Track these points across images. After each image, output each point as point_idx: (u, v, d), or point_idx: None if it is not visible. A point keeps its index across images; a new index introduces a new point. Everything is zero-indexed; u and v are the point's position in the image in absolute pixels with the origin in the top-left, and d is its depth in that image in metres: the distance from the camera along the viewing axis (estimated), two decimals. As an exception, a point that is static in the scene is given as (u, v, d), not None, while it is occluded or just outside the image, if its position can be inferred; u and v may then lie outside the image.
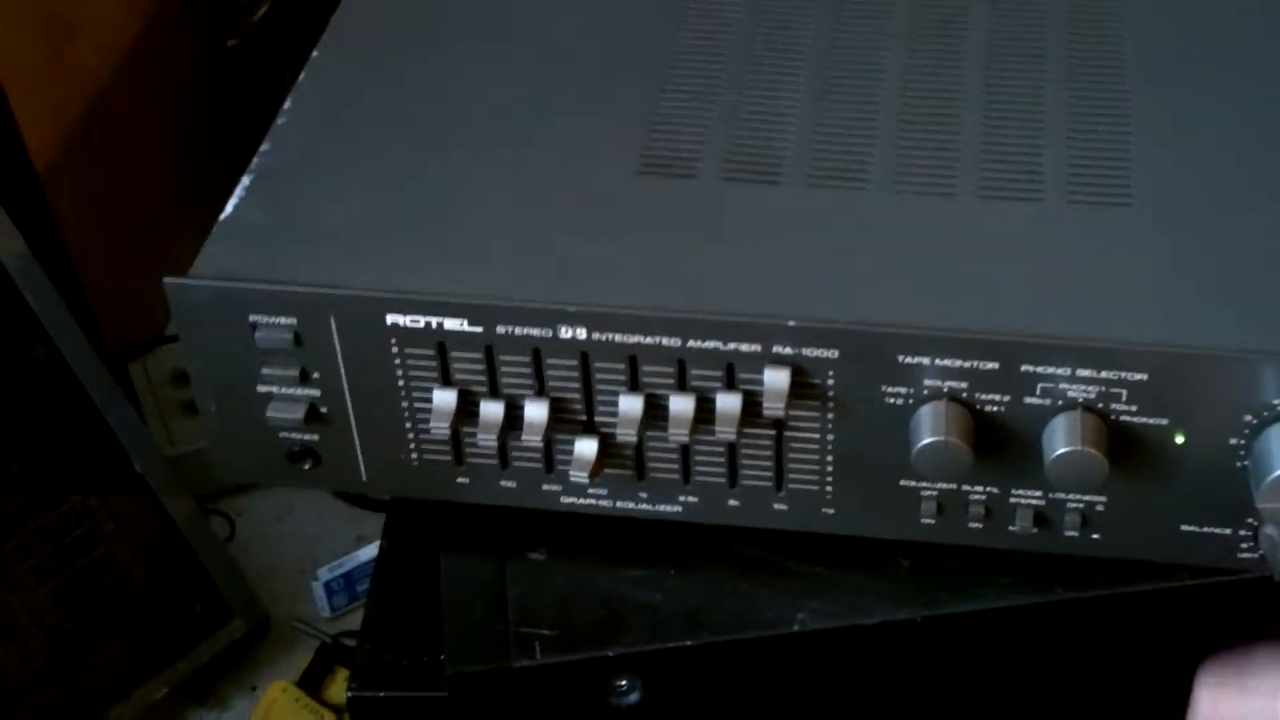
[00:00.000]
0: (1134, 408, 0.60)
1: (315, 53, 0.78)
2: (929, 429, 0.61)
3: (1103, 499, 0.64)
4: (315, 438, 0.68)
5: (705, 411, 0.64)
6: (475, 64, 0.76)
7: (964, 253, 0.65)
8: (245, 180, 0.70)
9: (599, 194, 0.69)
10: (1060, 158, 0.69)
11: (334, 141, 0.72)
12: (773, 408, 0.62)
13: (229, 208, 0.69)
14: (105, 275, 1.25)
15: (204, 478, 1.20)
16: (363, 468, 0.69)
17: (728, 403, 0.63)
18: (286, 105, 0.74)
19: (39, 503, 0.99)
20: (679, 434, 0.64)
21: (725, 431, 0.63)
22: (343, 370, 0.66)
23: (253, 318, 0.65)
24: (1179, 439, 0.61)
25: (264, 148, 0.72)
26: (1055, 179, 0.68)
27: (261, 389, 0.67)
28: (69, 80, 1.23)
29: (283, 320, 0.65)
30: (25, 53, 1.14)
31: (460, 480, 0.69)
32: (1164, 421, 0.60)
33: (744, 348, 0.62)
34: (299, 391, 0.67)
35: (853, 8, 0.79)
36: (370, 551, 1.18)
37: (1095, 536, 0.65)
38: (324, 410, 0.67)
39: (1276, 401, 0.59)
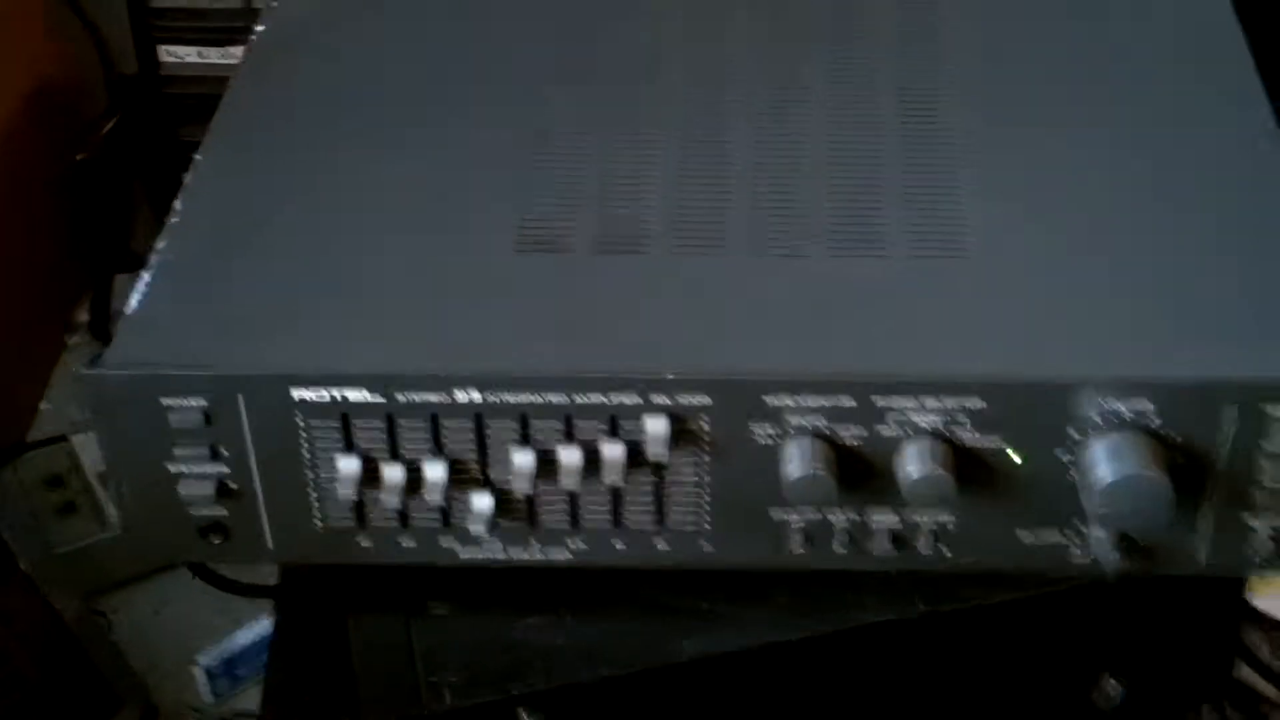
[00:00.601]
0: (974, 432, 0.68)
1: (198, 155, 0.83)
2: (797, 464, 0.68)
3: (952, 518, 0.71)
4: (224, 512, 0.73)
5: (592, 461, 0.70)
6: (355, 156, 0.81)
7: (819, 305, 0.71)
8: (145, 276, 0.75)
9: (483, 270, 0.74)
10: (900, 218, 0.76)
11: (228, 234, 0.77)
12: (655, 454, 0.69)
13: (133, 302, 0.73)
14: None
15: (79, 578, 1.23)
16: (269, 538, 0.74)
17: (613, 451, 0.69)
18: (177, 205, 0.79)
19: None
20: (569, 483, 0.70)
21: (612, 478, 0.69)
22: (250, 445, 0.71)
23: (164, 401, 0.70)
24: (1016, 457, 0.68)
25: (160, 245, 0.77)
26: (897, 237, 0.75)
27: (173, 469, 0.71)
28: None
29: (193, 402, 0.70)
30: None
31: (363, 544, 0.74)
32: (1001, 442, 0.68)
33: (625, 400, 0.68)
34: (209, 469, 0.71)
35: (698, 84, 0.85)
36: (248, 635, 1.22)
37: (947, 553, 0.72)
38: (233, 485, 0.72)
39: (1096, 418, 0.67)
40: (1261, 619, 0.97)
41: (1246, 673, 0.98)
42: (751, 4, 0.91)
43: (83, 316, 1.54)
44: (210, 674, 1.21)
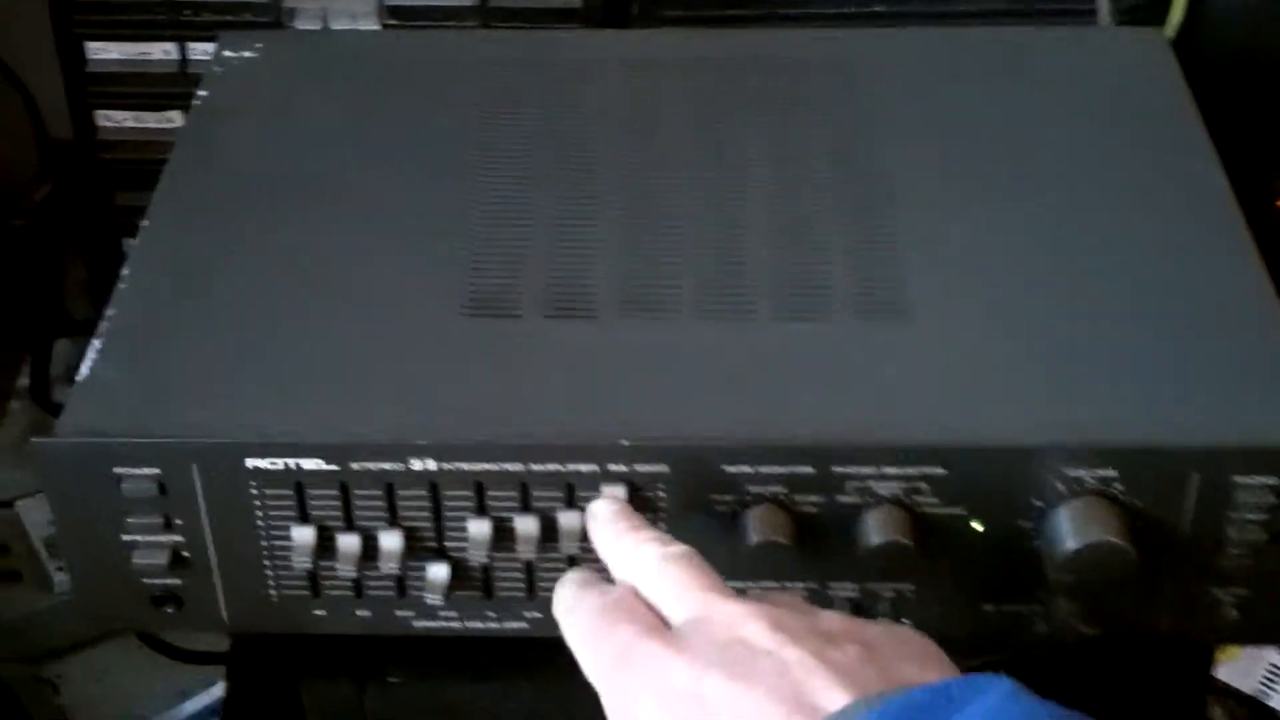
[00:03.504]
0: (935, 500, 0.68)
1: (145, 221, 0.82)
2: (755, 531, 0.67)
3: (911, 586, 0.71)
4: (178, 581, 0.72)
5: (548, 530, 0.69)
6: (301, 221, 0.81)
7: (772, 369, 0.72)
8: (96, 343, 0.74)
9: (433, 336, 0.74)
10: (844, 281, 0.76)
11: (177, 299, 0.76)
12: (613, 522, 0.68)
13: (84, 369, 0.73)
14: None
15: (21, 644, 1.21)
16: (224, 607, 0.73)
17: (570, 520, 0.69)
18: (124, 271, 0.78)
19: None
20: (526, 552, 0.69)
21: (568, 547, 0.69)
22: (204, 515, 0.70)
23: (117, 470, 0.69)
24: (976, 525, 0.68)
25: (110, 311, 0.76)
26: (842, 300, 0.75)
27: (126, 538, 0.71)
28: None
29: (147, 471, 0.69)
30: None
31: (318, 613, 0.73)
32: (962, 510, 0.68)
33: (582, 468, 0.68)
34: (163, 539, 0.71)
35: (639, 150, 0.86)
36: (196, 703, 1.20)
37: (905, 621, 0.71)
38: (186, 555, 0.71)
39: (1059, 486, 0.67)
40: (1223, 689, 0.97)
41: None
42: (692, 72, 0.92)
43: (22, 382, 1.52)
44: (158, 743, 1.20)
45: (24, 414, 1.50)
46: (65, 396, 1.47)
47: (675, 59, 0.93)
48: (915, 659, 0.56)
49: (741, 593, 0.60)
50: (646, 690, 0.55)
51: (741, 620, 0.56)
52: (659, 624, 0.58)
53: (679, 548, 0.61)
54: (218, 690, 1.20)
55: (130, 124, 1.20)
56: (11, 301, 1.52)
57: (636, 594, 0.60)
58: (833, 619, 0.58)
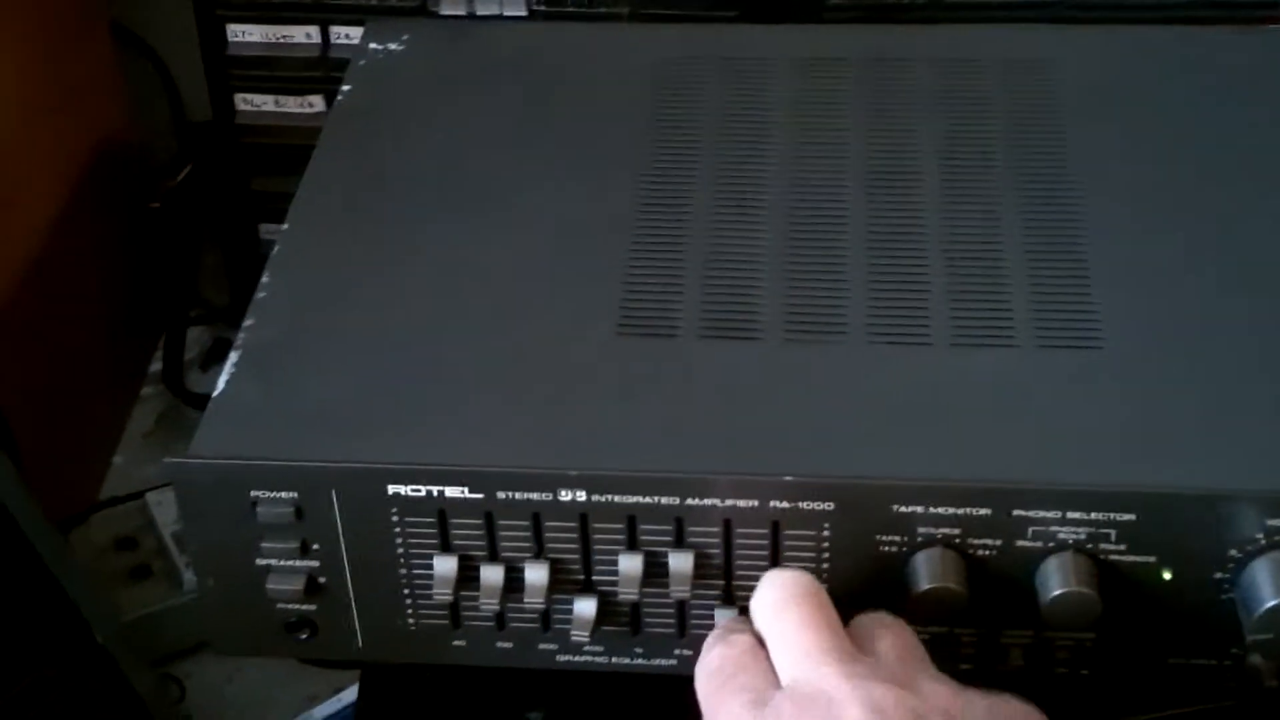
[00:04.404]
0: (1123, 547, 0.63)
1: (285, 225, 0.79)
2: (926, 576, 0.63)
3: (1092, 635, 0.66)
4: (313, 608, 0.69)
5: (702, 567, 0.65)
6: (444, 230, 0.78)
7: (947, 401, 0.67)
8: (233, 356, 0.71)
9: (584, 357, 0.70)
10: (1026, 305, 0.72)
11: (316, 313, 0.73)
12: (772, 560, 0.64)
13: (220, 384, 0.70)
14: (37, 448, 1.24)
15: (151, 643, 1.20)
16: (359, 636, 0.70)
17: (726, 556, 0.65)
18: (265, 279, 0.76)
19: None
20: (679, 591, 0.65)
21: (724, 585, 0.65)
22: (343, 541, 0.67)
23: (254, 494, 0.66)
24: (1166, 575, 0.63)
25: (248, 322, 0.73)
26: (1024, 326, 0.70)
27: (260, 562, 0.68)
28: (2, 254, 1.23)
29: (284, 495, 0.66)
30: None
31: (457, 644, 0.70)
32: (1152, 559, 0.63)
33: (741, 503, 0.64)
34: (298, 564, 0.68)
35: (806, 158, 0.81)
36: (324, 710, 1.18)
37: (1084, 671, 0.67)
38: (322, 581, 0.68)
39: (1259, 536, 0.62)
40: None
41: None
42: (862, 72, 0.87)
43: (155, 367, 1.52)
44: (286, 751, 1.18)
45: (156, 400, 1.49)
46: (197, 383, 1.48)
47: (844, 57, 0.89)
48: None
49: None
50: None
51: (840, 703, 0.56)
52: (768, 690, 0.58)
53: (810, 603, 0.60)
54: (347, 696, 1.17)
55: (270, 108, 1.19)
56: (146, 285, 1.51)
57: (757, 651, 0.60)
58: (938, 695, 0.57)
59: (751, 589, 0.64)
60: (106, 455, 1.41)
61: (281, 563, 0.68)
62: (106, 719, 1.05)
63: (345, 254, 0.77)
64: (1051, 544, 0.63)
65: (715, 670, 0.61)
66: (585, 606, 0.67)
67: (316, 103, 1.17)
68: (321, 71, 1.16)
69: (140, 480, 1.37)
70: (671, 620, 0.68)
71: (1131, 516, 0.62)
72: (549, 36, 0.96)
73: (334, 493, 0.66)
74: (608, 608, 0.67)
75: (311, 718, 1.18)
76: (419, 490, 0.65)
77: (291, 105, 1.18)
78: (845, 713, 0.55)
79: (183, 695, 1.23)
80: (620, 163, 0.82)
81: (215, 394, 0.69)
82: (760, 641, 0.61)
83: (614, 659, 0.69)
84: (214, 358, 1.54)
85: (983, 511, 0.63)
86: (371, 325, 0.72)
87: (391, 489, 0.65)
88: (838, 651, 0.58)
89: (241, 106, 1.19)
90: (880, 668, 0.58)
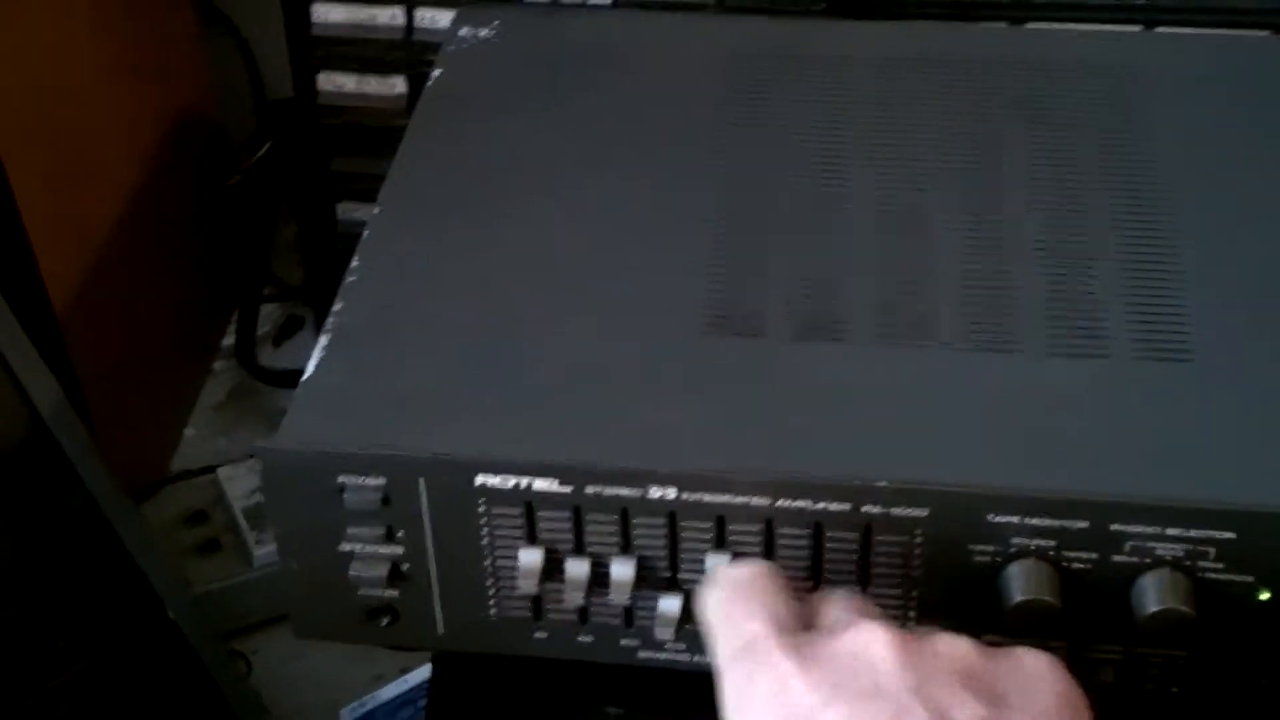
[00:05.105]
0: (1220, 565, 0.62)
1: (375, 208, 0.79)
2: (1020, 588, 0.62)
3: (1184, 652, 0.65)
4: (395, 595, 0.69)
5: (790, 569, 0.65)
6: (533, 220, 0.77)
7: (1040, 410, 0.66)
8: (323, 340, 0.71)
9: (673, 353, 0.70)
10: (1119, 314, 0.71)
11: (406, 300, 0.73)
12: (862, 566, 0.64)
13: (310, 369, 0.69)
14: (112, 420, 1.25)
15: (219, 618, 1.20)
16: (440, 624, 0.70)
17: (815, 560, 0.64)
18: (354, 263, 0.75)
19: (69, 655, 0.99)
20: (766, 591, 0.65)
21: (809, 588, 0.64)
22: (428, 529, 0.67)
23: (341, 480, 0.66)
24: (1263, 595, 0.62)
25: (336, 306, 0.73)
26: (1118, 335, 0.69)
27: (345, 548, 0.67)
28: (83, 226, 1.23)
29: (372, 482, 0.65)
30: (43, 204, 1.14)
31: (538, 635, 0.69)
32: (1250, 579, 0.62)
33: (833, 507, 0.63)
34: (383, 550, 0.67)
35: (893, 159, 0.81)
36: (392, 690, 1.18)
37: (1174, 689, 0.66)
38: (406, 568, 0.68)
39: (1362, 558, 0.61)
40: None
41: None
42: (948, 71, 0.86)
43: (228, 341, 1.52)
44: (352, 729, 1.18)
45: (229, 375, 1.50)
46: (269, 359, 1.48)
47: (929, 56, 0.88)
48: (1046, 713, 0.53)
49: None
50: (762, 701, 0.54)
51: (876, 646, 0.53)
52: (794, 617, 0.57)
53: None
54: (414, 678, 1.17)
55: (351, 88, 1.18)
56: (221, 260, 1.51)
57: (778, 572, 0.59)
58: (961, 650, 0.54)
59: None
60: (178, 428, 1.42)
61: (366, 549, 0.67)
62: (175, 694, 1.06)
63: (434, 240, 0.77)
64: (1149, 560, 0.62)
65: (735, 593, 0.59)
66: (670, 604, 0.67)
67: (399, 84, 1.17)
68: (405, 53, 1.16)
69: (211, 453, 1.38)
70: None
71: (1231, 535, 0.61)
72: (636, 27, 0.95)
73: (421, 481, 0.65)
74: (693, 606, 0.67)
75: (378, 698, 1.18)
76: (507, 482, 0.65)
77: (373, 86, 1.18)
78: (879, 658, 0.53)
79: (249, 669, 1.23)
80: (704, 156, 0.81)
81: (304, 378, 0.69)
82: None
83: (696, 658, 0.69)
84: (286, 334, 1.55)
85: (1080, 524, 0.62)
86: (459, 313, 0.72)
87: (479, 480, 0.65)
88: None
89: (324, 86, 1.19)
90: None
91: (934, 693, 0.52)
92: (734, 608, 0.58)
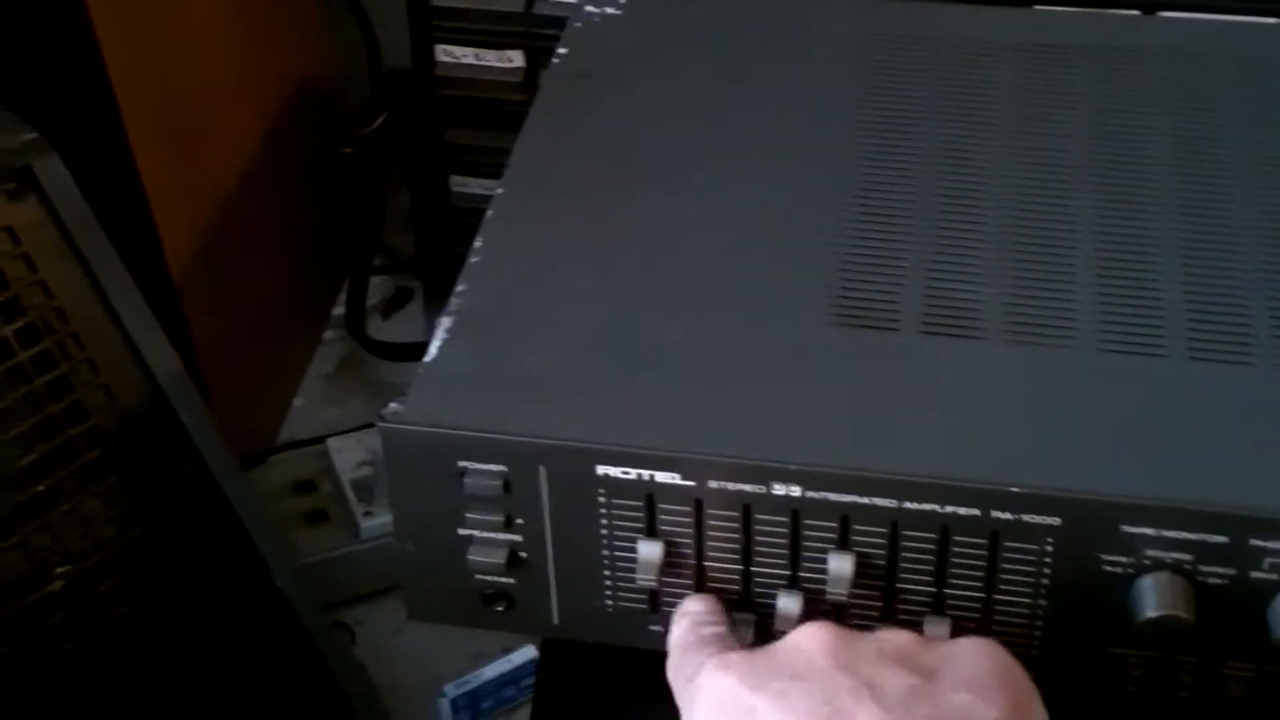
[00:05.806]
0: (1364, 585, 0.60)
1: (500, 189, 0.78)
2: (1153, 602, 0.60)
3: (1320, 674, 0.63)
4: (512, 581, 0.68)
5: (914, 573, 0.63)
6: (658, 206, 0.76)
7: (1181, 418, 0.64)
8: (446, 322, 0.70)
9: (799, 346, 0.69)
10: (1264, 319, 0.68)
11: (529, 284, 0.72)
12: (990, 572, 0.62)
13: (432, 350, 0.69)
14: (224, 387, 1.25)
15: (324, 588, 1.20)
16: (555, 612, 0.69)
17: (939, 565, 0.63)
18: (477, 243, 0.74)
19: (180, 617, 1.00)
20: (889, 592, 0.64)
21: (933, 592, 0.63)
22: (547, 518, 0.66)
23: (462, 464, 0.65)
24: None
25: (460, 288, 0.72)
26: (1263, 343, 0.67)
27: (463, 532, 0.67)
28: (199, 190, 1.24)
29: (493, 468, 0.65)
30: (161, 164, 1.14)
31: (654, 628, 0.68)
32: (1395, 600, 0.60)
33: (962, 511, 0.62)
34: (501, 536, 0.67)
35: (1032, 156, 0.79)
36: (495, 669, 1.18)
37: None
38: (523, 555, 0.67)
39: None
40: None
41: None
42: (1094, 60, 0.84)
43: (337, 310, 1.52)
44: (455, 706, 1.17)
45: (339, 345, 1.50)
46: (378, 331, 1.48)
47: (1075, 44, 0.86)
48: (978, 687, 0.55)
49: None
50: (700, 702, 0.58)
51: (805, 636, 0.57)
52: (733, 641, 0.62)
53: None
54: (517, 657, 1.17)
55: (469, 60, 1.18)
56: (333, 230, 1.52)
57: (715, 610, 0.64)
58: (899, 638, 0.58)
59: (963, 599, 0.63)
60: (288, 397, 1.43)
61: (484, 534, 0.67)
62: (281, 662, 1.06)
63: (558, 223, 0.76)
64: (1289, 577, 0.60)
65: (683, 645, 0.63)
66: (789, 602, 0.65)
67: (516, 58, 1.17)
68: (524, 27, 1.15)
69: (320, 422, 1.38)
70: (876, 621, 0.66)
71: (1378, 555, 0.59)
72: (770, 6, 0.93)
73: (542, 469, 0.64)
74: (812, 605, 0.66)
75: (482, 676, 1.18)
76: (629, 473, 0.64)
77: (491, 59, 1.18)
78: (808, 646, 0.57)
79: (353, 640, 1.24)
80: (837, 143, 0.80)
81: (427, 359, 0.68)
82: None
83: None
84: (396, 305, 1.55)
85: (1218, 538, 0.60)
86: (583, 298, 0.71)
87: (600, 470, 0.64)
88: None
89: (441, 58, 1.19)
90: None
91: (862, 667, 0.55)
92: (685, 659, 0.61)
